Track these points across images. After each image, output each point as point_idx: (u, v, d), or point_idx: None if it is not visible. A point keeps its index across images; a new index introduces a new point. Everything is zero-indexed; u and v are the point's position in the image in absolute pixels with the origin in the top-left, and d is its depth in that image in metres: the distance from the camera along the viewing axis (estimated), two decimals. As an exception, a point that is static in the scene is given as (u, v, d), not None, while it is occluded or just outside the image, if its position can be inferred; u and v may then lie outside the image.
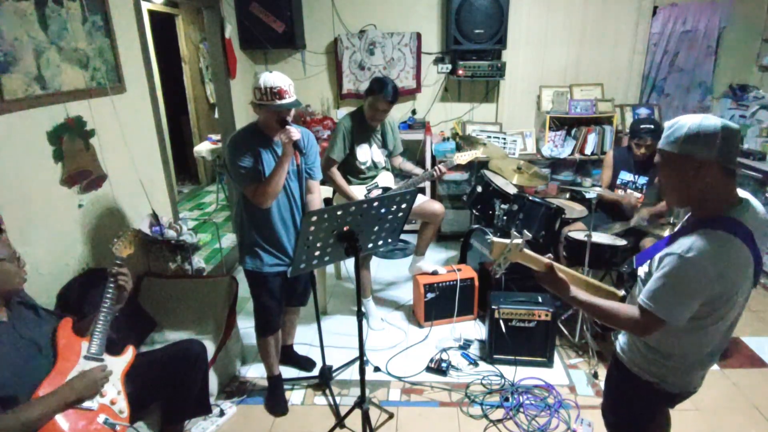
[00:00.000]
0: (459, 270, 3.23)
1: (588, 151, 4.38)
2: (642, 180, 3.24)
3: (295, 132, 2.07)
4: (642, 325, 1.37)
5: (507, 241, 1.51)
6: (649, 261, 1.49)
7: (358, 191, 3.04)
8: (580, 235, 3.00)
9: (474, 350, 3.00)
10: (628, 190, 3.30)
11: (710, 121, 1.29)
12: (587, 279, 1.59)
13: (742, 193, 1.39)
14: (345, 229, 1.89)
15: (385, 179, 3.16)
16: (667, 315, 1.32)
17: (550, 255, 1.51)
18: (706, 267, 1.27)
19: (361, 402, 2.20)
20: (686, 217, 1.49)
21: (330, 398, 2.62)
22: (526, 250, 1.53)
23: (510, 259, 1.53)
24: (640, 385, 1.53)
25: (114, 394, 1.76)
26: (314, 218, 1.77)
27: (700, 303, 1.32)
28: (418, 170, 3.17)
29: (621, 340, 1.62)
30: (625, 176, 3.33)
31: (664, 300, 1.32)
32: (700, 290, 1.30)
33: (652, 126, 3.13)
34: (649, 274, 1.45)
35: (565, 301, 1.50)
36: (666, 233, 2.49)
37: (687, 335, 1.41)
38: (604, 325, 1.66)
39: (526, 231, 1.56)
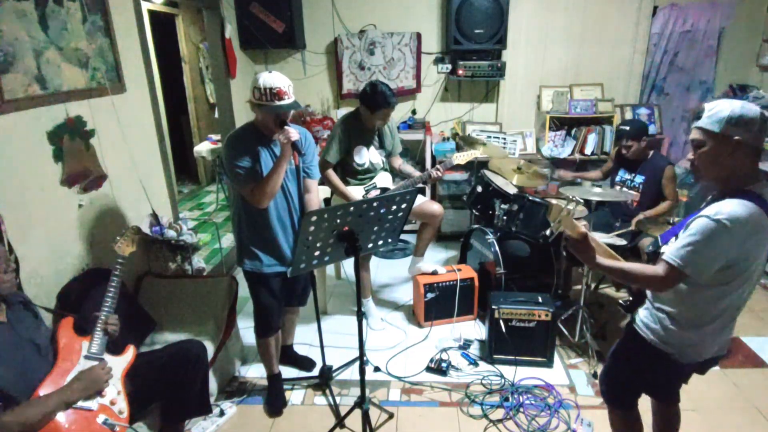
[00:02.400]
0: (459, 270, 3.22)
1: (588, 151, 4.38)
2: (639, 179, 3.27)
3: (294, 133, 2.07)
4: (663, 278, 1.48)
5: (563, 205, 1.63)
6: (674, 238, 1.59)
7: (356, 192, 3.04)
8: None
9: (474, 350, 3.00)
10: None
11: (751, 107, 1.42)
12: (612, 252, 1.74)
13: None
14: (345, 229, 1.89)
15: (384, 180, 3.15)
16: (689, 269, 1.43)
17: (585, 224, 1.60)
18: (731, 229, 1.38)
19: (361, 402, 2.20)
20: (712, 195, 1.60)
21: (330, 398, 2.62)
22: (574, 220, 1.64)
23: (563, 224, 1.62)
24: (656, 355, 1.64)
25: (114, 394, 1.76)
26: (314, 218, 1.77)
27: (723, 265, 1.43)
28: (416, 173, 3.17)
29: (642, 315, 1.72)
30: (624, 175, 3.37)
31: (689, 256, 1.43)
32: (725, 250, 1.41)
33: (627, 127, 3.21)
34: None
35: (590, 267, 1.61)
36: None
37: (707, 304, 1.54)
38: (629, 305, 1.82)
39: (577, 197, 1.65)
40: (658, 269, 1.49)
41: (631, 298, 1.82)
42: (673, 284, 1.48)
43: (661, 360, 1.65)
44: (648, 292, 1.73)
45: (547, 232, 1.71)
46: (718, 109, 1.43)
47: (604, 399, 1.94)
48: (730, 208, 1.39)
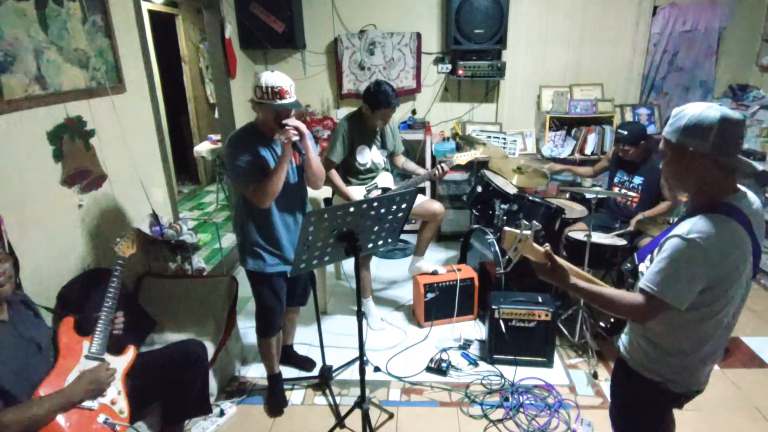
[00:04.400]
0: (459, 270, 3.23)
1: (588, 151, 4.38)
2: (637, 180, 3.26)
3: (294, 133, 2.06)
4: (644, 309, 1.34)
5: (517, 231, 1.46)
6: (649, 255, 1.48)
7: (357, 192, 3.04)
8: (580, 235, 3.00)
9: (474, 350, 3.00)
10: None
11: (710, 112, 1.28)
12: (587, 275, 1.59)
13: (740, 187, 1.40)
14: (345, 229, 1.89)
15: (385, 180, 3.15)
16: (669, 296, 1.30)
17: (546, 244, 1.48)
18: (706, 247, 1.26)
19: (361, 402, 2.20)
20: (686, 208, 1.52)
21: (330, 398, 2.62)
22: (534, 243, 1.48)
23: (520, 251, 1.47)
24: (645, 385, 1.51)
25: (114, 393, 1.77)
26: (314, 218, 1.77)
27: (703, 286, 1.31)
28: (421, 170, 3.17)
29: (623, 339, 1.60)
30: (622, 176, 3.37)
31: (666, 281, 1.30)
32: (702, 271, 1.28)
33: (625, 132, 3.16)
34: None
35: (565, 289, 1.46)
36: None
37: (689, 328, 1.40)
38: (610, 328, 1.65)
39: (535, 222, 1.52)
40: (638, 298, 1.35)
41: (612, 320, 1.70)
42: (656, 315, 1.35)
43: (652, 390, 1.51)
44: None
45: (507, 262, 1.52)
46: (679, 117, 1.32)
47: None
48: (702, 225, 1.28)
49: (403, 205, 2.00)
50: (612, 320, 1.67)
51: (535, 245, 1.48)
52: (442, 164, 2.97)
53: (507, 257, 1.48)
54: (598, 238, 2.99)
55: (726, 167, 1.32)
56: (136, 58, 2.77)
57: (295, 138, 2.06)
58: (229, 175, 2.21)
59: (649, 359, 1.49)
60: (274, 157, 2.19)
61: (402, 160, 3.24)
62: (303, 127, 2.11)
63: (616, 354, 1.64)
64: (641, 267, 1.53)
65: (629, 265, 1.63)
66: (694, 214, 1.33)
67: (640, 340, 1.51)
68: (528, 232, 1.46)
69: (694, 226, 1.29)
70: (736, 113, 1.30)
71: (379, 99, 2.79)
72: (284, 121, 2.06)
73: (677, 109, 1.36)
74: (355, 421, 2.29)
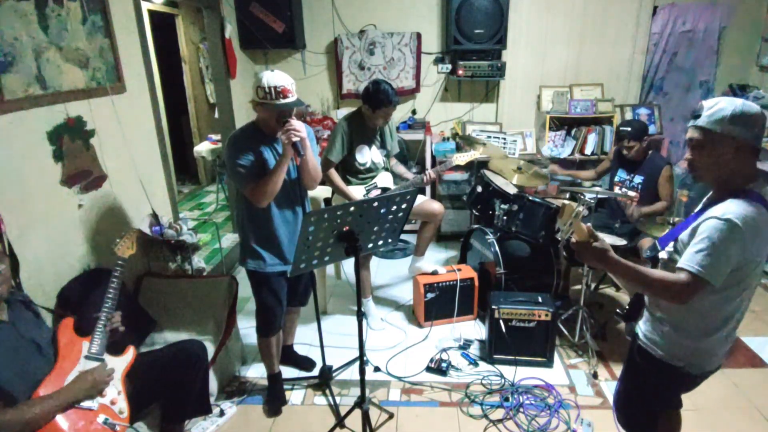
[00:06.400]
0: (459, 270, 3.22)
1: (588, 151, 4.38)
2: (638, 179, 3.26)
3: (296, 132, 2.06)
4: (685, 289, 1.38)
5: (576, 205, 1.52)
6: (672, 242, 1.54)
7: (357, 191, 3.04)
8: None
9: (474, 350, 3.00)
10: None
11: (752, 105, 1.38)
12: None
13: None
14: (345, 229, 1.89)
15: (385, 179, 3.15)
16: (710, 275, 1.35)
17: (588, 224, 1.51)
18: (743, 227, 1.34)
19: (361, 402, 2.20)
20: (708, 195, 1.56)
21: (330, 398, 2.62)
22: (580, 222, 1.54)
23: (574, 226, 1.51)
24: (665, 370, 1.57)
25: (114, 394, 1.77)
26: (314, 218, 1.77)
27: (735, 266, 1.38)
28: (409, 174, 3.18)
29: (643, 327, 1.65)
30: (623, 175, 3.37)
31: (707, 260, 1.36)
32: (738, 250, 1.36)
33: (629, 128, 3.18)
34: (674, 253, 1.51)
35: (605, 268, 1.49)
36: (665, 233, 2.49)
37: (714, 309, 1.48)
38: (627, 313, 1.73)
39: (588, 198, 1.55)
40: (680, 277, 1.39)
41: (627, 307, 1.75)
42: (695, 294, 1.38)
43: (671, 375, 1.57)
44: (647, 301, 1.64)
45: (559, 236, 1.57)
46: (719, 108, 1.38)
47: (623, 426, 1.83)
48: (738, 207, 1.35)
49: (404, 205, 2.00)
50: (627, 307, 1.72)
51: (581, 223, 1.53)
52: (429, 171, 2.98)
53: (560, 232, 1.55)
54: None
55: (757, 155, 1.41)
56: (136, 58, 2.77)
57: (296, 139, 2.06)
58: (229, 174, 2.22)
59: (672, 343, 1.55)
60: (275, 156, 2.19)
61: (393, 162, 3.26)
62: (304, 130, 2.10)
63: (632, 341, 1.69)
64: (662, 254, 1.59)
65: (650, 252, 1.68)
66: (722, 200, 1.41)
67: (664, 326, 1.56)
68: (582, 208, 1.49)
69: (729, 209, 1.36)
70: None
71: (380, 98, 2.79)
72: (286, 126, 2.06)
73: (709, 102, 1.42)
74: (355, 421, 2.29)
